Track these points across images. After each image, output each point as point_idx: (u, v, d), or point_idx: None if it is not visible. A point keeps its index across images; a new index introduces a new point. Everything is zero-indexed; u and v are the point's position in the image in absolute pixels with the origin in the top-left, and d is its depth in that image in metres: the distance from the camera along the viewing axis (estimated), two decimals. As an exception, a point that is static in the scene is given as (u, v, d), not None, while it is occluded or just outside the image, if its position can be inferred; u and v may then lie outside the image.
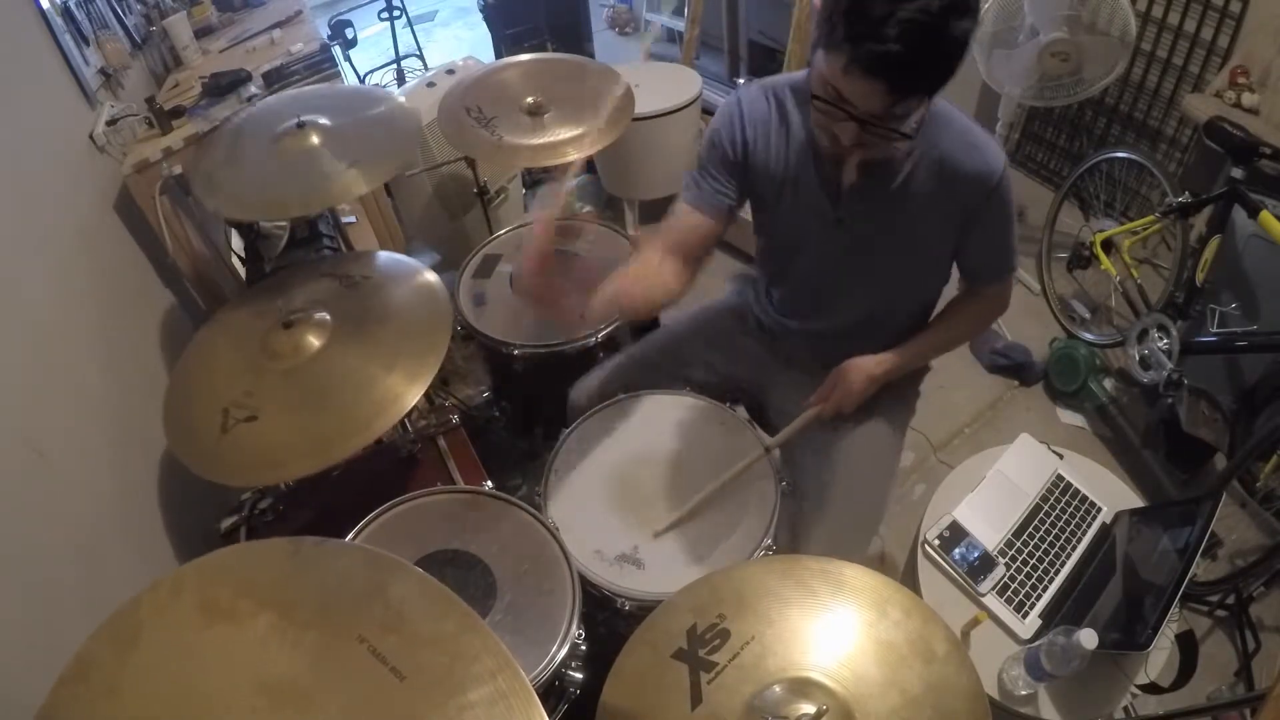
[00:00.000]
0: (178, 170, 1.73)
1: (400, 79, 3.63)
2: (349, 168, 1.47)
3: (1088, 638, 1.03)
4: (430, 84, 2.41)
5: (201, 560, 0.76)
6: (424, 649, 0.70)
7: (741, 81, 3.39)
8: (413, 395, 1.16)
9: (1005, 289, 1.32)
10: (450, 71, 2.48)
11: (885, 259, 1.23)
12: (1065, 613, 1.23)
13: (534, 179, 3.13)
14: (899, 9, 0.85)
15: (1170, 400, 1.92)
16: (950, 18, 0.87)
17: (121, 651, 0.69)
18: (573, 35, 3.46)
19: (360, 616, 0.72)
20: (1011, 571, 1.26)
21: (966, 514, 1.33)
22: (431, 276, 1.39)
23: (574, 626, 1.06)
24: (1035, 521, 1.33)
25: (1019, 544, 1.30)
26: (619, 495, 1.27)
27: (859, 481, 1.31)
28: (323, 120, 1.55)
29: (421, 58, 3.77)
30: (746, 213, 1.35)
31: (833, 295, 1.33)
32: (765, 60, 3.35)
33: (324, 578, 0.75)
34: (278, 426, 1.16)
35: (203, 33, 2.40)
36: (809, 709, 0.82)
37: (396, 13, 3.47)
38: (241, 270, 1.98)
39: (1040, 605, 1.24)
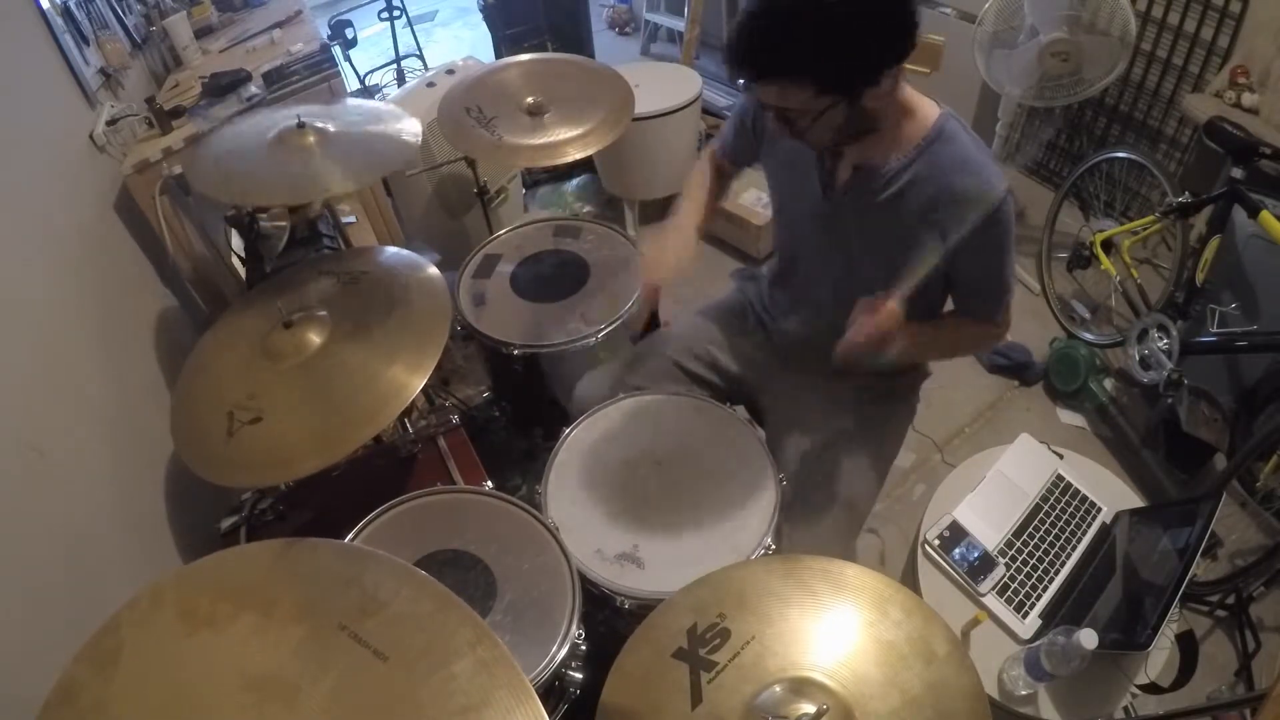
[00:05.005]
0: (178, 170, 1.73)
1: (400, 79, 3.63)
2: (337, 165, 1.46)
3: (1088, 638, 1.03)
4: (430, 84, 2.41)
5: (178, 570, 0.78)
6: (403, 629, 0.73)
7: (742, 81, 3.39)
8: (415, 385, 1.16)
9: (994, 328, 1.25)
10: (450, 71, 2.48)
11: (867, 262, 1.24)
12: (1065, 613, 1.23)
13: (534, 179, 3.13)
14: (746, 17, 1.01)
15: (1170, 400, 1.92)
16: (770, 17, 0.99)
17: (105, 669, 0.71)
18: (573, 35, 3.45)
19: (339, 605, 0.74)
20: (1011, 571, 1.26)
21: (966, 514, 1.33)
22: (428, 267, 1.39)
23: (574, 626, 1.06)
24: (1035, 521, 1.33)
25: (1019, 544, 1.30)
26: (619, 495, 1.27)
27: (841, 488, 1.30)
28: (321, 124, 1.55)
29: (421, 58, 3.77)
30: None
31: (820, 293, 1.34)
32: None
33: (301, 575, 0.77)
34: (283, 426, 1.16)
35: (203, 33, 2.40)
36: (809, 709, 0.82)
37: (396, 13, 3.47)
38: (241, 270, 1.97)
39: (1040, 605, 1.24)
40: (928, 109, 1.13)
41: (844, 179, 1.18)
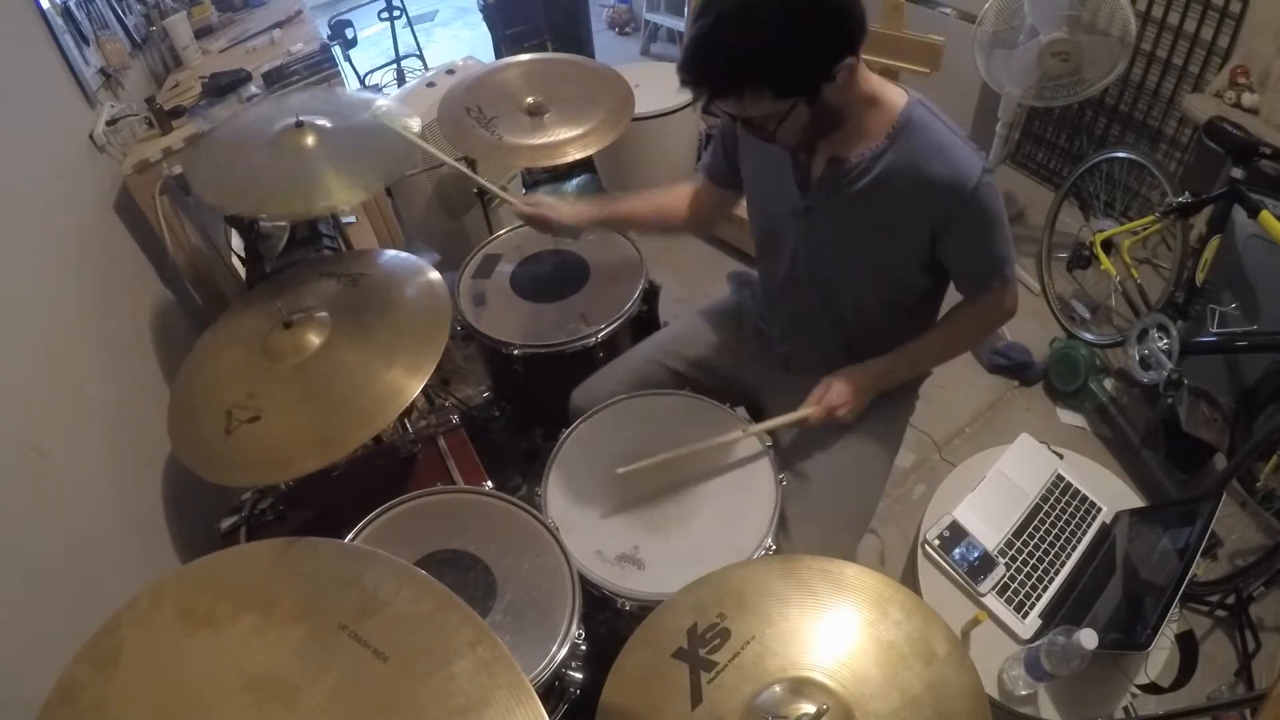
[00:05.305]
0: (178, 170, 1.73)
1: (400, 79, 3.63)
2: (339, 175, 1.44)
3: (1088, 638, 1.03)
4: (430, 84, 2.41)
5: (178, 570, 0.78)
6: (403, 629, 0.73)
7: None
8: (413, 388, 1.16)
9: (1001, 297, 1.24)
10: (450, 71, 2.48)
11: (848, 256, 1.24)
12: (1065, 613, 1.23)
13: (534, 179, 3.13)
14: (691, 39, 1.02)
15: (1170, 400, 1.91)
16: (715, 36, 0.99)
17: (105, 669, 0.71)
18: (573, 35, 3.46)
19: (339, 605, 0.74)
20: (1011, 571, 1.26)
21: (966, 514, 1.33)
22: (429, 270, 1.39)
23: (574, 626, 1.06)
24: (1035, 521, 1.33)
25: (1019, 544, 1.30)
26: (619, 495, 1.27)
27: (849, 483, 1.31)
28: (321, 121, 1.54)
29: (421, 58, 3.77)
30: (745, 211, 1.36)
31: (803, 292, 1.34)
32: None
33: (301, 574, 0.77)
34: (281, 425, 1.16)
35: (203, 33, 2.40)
36: (809, 709, 0.82)
37: (396, 13, 3.47)
38: (241, 270, 1.97)
39: (1040, 605, 1.24)
40: (894, 97, 1.12)
41: (818, 174, 1.18)
